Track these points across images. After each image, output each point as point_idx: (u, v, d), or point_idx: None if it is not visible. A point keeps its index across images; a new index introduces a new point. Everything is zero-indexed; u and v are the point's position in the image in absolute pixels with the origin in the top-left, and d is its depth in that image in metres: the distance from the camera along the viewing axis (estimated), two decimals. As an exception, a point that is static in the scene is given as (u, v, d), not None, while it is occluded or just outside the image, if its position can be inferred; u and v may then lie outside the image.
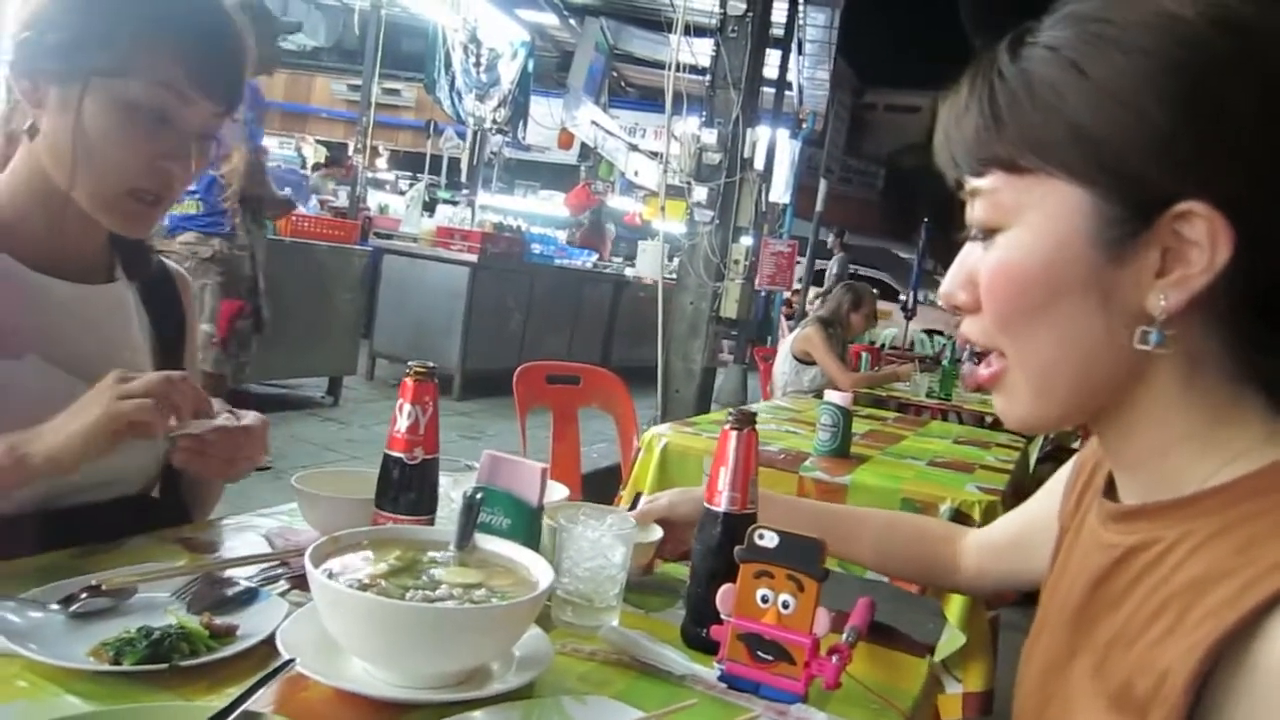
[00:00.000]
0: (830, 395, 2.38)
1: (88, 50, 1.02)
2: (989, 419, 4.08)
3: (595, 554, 0.96)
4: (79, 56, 1.02)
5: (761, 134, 6.47)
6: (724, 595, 0.86)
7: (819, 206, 11.23)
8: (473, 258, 6.49)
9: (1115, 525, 0.69)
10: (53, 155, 1.05)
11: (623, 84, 12.09)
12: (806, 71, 11.16)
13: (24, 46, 1.03)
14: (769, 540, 0.85)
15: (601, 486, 2.71)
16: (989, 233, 0.67)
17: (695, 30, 5.81)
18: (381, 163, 14.49)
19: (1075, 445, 4.47)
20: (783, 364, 4.63)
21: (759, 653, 0.85)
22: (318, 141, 12.86)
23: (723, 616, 0.86)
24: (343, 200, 8.64)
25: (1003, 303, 0.66)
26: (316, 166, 11.03)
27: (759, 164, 6.26)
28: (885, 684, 0.94)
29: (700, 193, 5.59)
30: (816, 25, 10.10)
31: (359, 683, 0.75)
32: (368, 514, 0.99)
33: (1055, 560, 0.82)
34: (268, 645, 0.79)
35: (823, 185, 11.35)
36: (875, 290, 4.96)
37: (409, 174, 14.43)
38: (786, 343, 4.81)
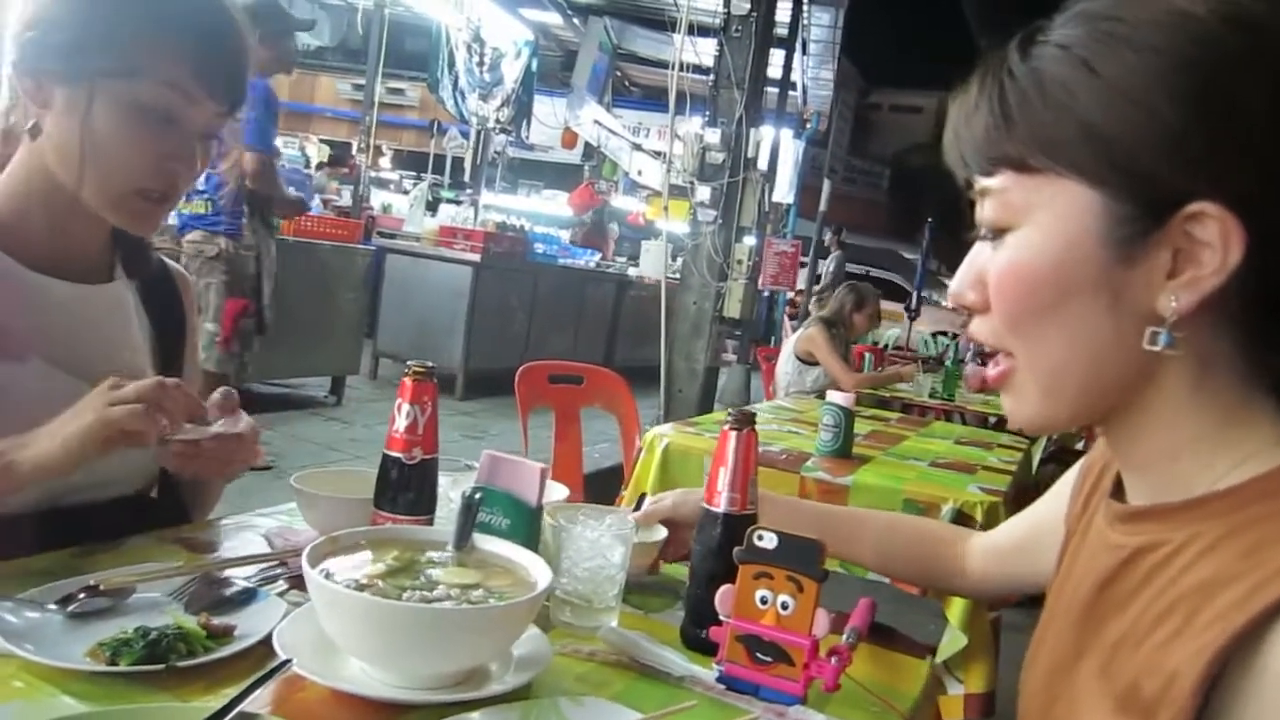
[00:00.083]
0: (832, 395, 2.37)
1: (94, 51, 1.02)
2: (992, 420, 4.08)
3: (594, 554, 0.96)
4: (85, 57, 1.02)
5: (765, 134, 6.47)
6: (723, 596, 0.86)
7: (822, 206, 11.23)
8: (476, 257, 6.50)
9: (1123, 526, 0.69)
10: (59, 155, 1.05)
11: (626, 83, 12.09)
12: (811, 71, 11.15)
13: (28, 46, 1.03)
14: (768, 541, 0.84)
15: (604, 486, 2.71)
16: (998, 232, 0.67)
17: (699, 30, 5.81)
18: (385, 162, 14.50)
19: (1079, 447, 4.46)
20: (785, 364, 4.63)
21: (758, 654, 0.85)
22: (322, 141, 12.86)
23: (722, 618, 0.86)
24: (346, 200, 8.65)
25: (1012, 303, 0.66)
26: (320, 166, 11.06)
27: (762, 164, 6.26)
28: (885, 685, 0.93)
29: (703, 192, 5.59)
30: (821, 25, 10.09)
31: (356, 683, 0.75)
32: (367, 514, 0.99)
33: (1061, 562, 0.82)
34: (265, 646, 0.78)
35: (826, 185, 11.36)
36: (879, 291, 4.95)
37: (413, 173, 14.43)
38: (789, 343, 4.81)
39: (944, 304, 14.30)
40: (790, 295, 11.13)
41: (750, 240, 5.83)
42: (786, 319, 11.60)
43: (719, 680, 0.86)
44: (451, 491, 1.01)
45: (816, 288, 10.90)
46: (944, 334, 13.58)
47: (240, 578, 0.94)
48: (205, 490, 1.27)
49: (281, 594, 0.92)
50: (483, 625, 0.77)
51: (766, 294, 10.04)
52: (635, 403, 2.97)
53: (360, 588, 0.76)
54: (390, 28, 8.34)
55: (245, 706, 0.67)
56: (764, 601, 0.85)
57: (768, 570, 0.84)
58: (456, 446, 4.90)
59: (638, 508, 1.16)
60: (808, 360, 4.50)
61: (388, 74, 8.86)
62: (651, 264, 9.17)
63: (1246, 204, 0.58)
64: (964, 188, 0.70)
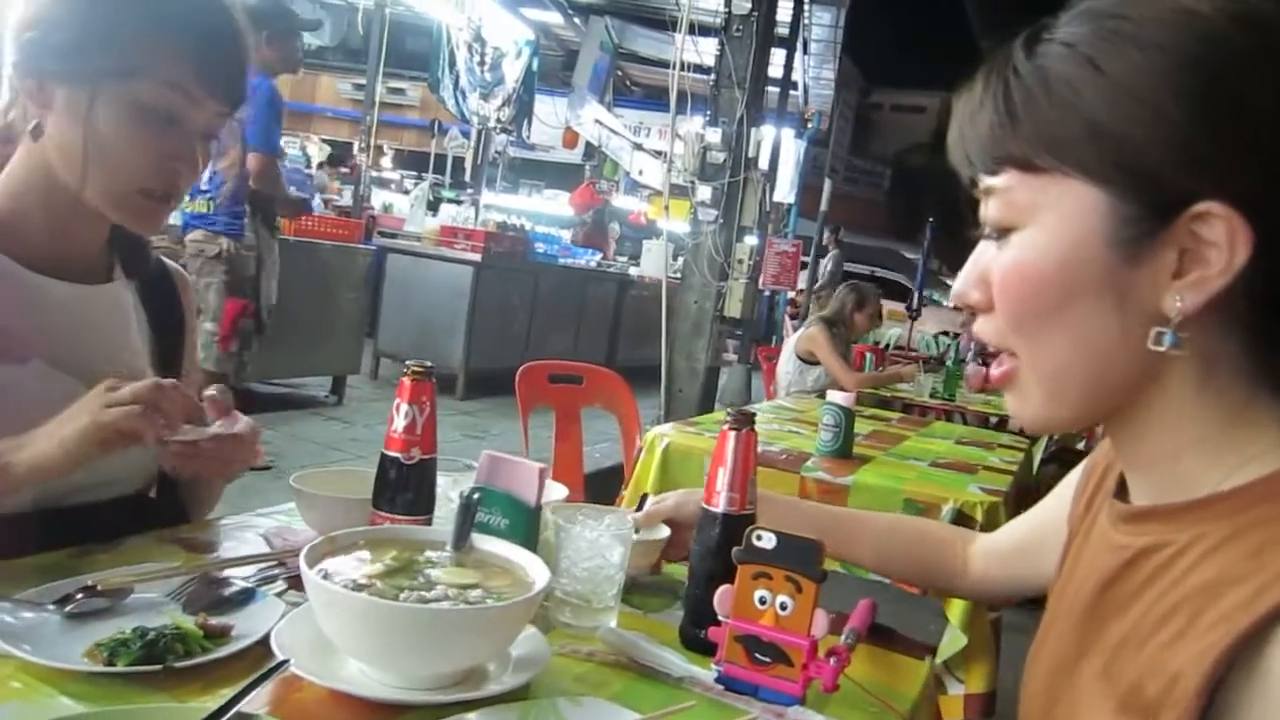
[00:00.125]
0: (833, 395, 2.37)
1: (95, 51, 1.02)
2: (993, 420, 4.07)
3: (593, 554, 0.95)
4: (86, 58, 1.02)
5: (766, 133, 6.46)
6: (722, 596, 0.86)
7: (823, 206, 11.22)
8: (476, 257, 6.49)
9: (1126, 526, 0.69)
10: (62, 156, 1.05)
11: (628, 83, 12.08)
12: (812, 71, 11.14)
13: (28, 47, 1.03)
14: (767, 541, 0.84)
15: (604, 486, 2.71)
16: (1003, 232, 0.66)
17: (700, 29, 5.80)
18: (386, 162, 14.50)
19: (1080, 446, 4.46)
20: (786, 364, 4.63)
21: (757, 654, 0.85)
22: (323, 141, 12.86)
23: (720, 618, 0.86)
24: (347, 200, 8.65)
25: (1016, 303, 0.66)
26: (320, 165, 11.06)
27: (763, 163, 6.26)
28: (884, 686, 0.93)
29: (704, 192, 5.59)
30: (822, 24, 10.08)
31: (354, 683, 0.75)
32: (366, 514, 0.99)
33: (1064, 563, 0.81)
34: (263, 646, 0.78)
35: (827, 185, 11.34)
36: (880, 290, 4.95)
37: (414, 173, 14.43)
38: (790, 342, 4.80)
39: (945, 304, 14.30)
40: (791, 295, 11.12)
41: (751, 240, 5.83)
42: (788, 318, 11.59)
43: (718, 680, 0.86)
44: (451, 491, 1.01)
45: (814, 286, 10.88)
46: (947, 334, 13.56)
47: (239, 578, 0.94)
48: (204, 490, 1.27)
49: (280, 594, 0.92)
50: (480, 625, 0.77)
51: (768, 294, 10.04)
52: (636, 402, 2.97)
53: (358, 588, 0.76)
54: (391, 27, 8.33)
55: (243, 707, 0.67)
56: (763, 602, 0.84)
57: (766, 570, 0.84)
58: (457, 446, 4.90)
59: (640, 507, 1.16)
60: (809, 360, 4.50)
61: (388, 73, 8.85)
62: (652, 263, 9.16)
63: (1253, 203, 0.58)
64: (968, 186, 0.69)
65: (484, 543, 0.89)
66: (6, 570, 0.92)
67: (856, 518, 1.20)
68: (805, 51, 10.12)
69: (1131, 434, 0.67)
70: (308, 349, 5.33)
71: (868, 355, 4.80)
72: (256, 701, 0.71)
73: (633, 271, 9.45)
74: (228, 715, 0.64)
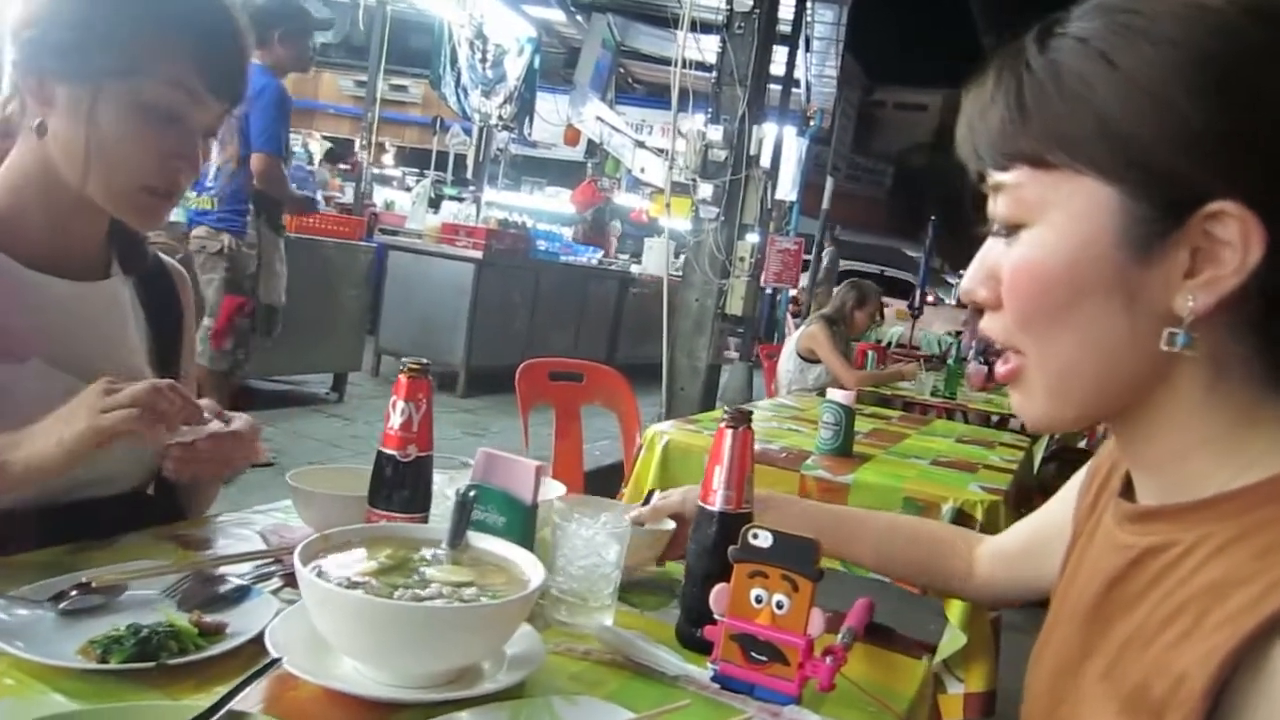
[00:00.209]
0: (833, 393, 2.36)
1: (95, 50, 1.02)
2: (994, 418, 4.07)
3: (589, 552, 0.95)
4: (87, 56, 1.02)
5: (768, 131, 6.44)
6: (718, 595, 0.86)
7: (825, 204, 11.21)
8: (477, 254, 6.49)
9: (1132, 526, 0.68)
10: (65, 154, 1.05)
11: (630, 80, 12.07)
12: (814, 68, 11.12)
13: (28, 45, 1.03)
14: (763, 540, 0.84)
15: (604, 484, 2.71)
16: (1011, 228, 0.66)
17: (702, 26, 5.79)
18: (388, 159, 14.50)
19: (1081, 445, 4.46)
20: (787, 362, 4.63)
21: (753, 653, 0.84)
22: (324, 138, 12.86)
23: (716, 616, 0.86)
24: (349, 197, 8.65)
25: (1025, 302, 0.65)
26: (320, 162, 11.05)
27: (765, 161, 6.24)
28: (881, 685, 0.93)
29: (706, 190, 5.58)
30: (824, 22, 10.07)
31: (348, 682, 0.75)
32: (363, 511, 0.98)
33: (1068, 562, 0.81)
34: (257, 644, 0.78)
35: (829, 183, 11.33)
36: (880, 289, 4.94)
37: (416, 170, 14.43)
38: (791, 340, 4.80)
39: (950, 303, 14.29)
40: (793, 293, 11.11)
41: (753, 237, 5.82)
42: (789, 316, 11.58)
43: (713, 679, 0.86)
44: (448, 489, 1.01)
45: (804, 283, 10.84)
46: (951, 334, 13.54)
47: (234, 575, 0.94)
48: (202, 487, 1.27)
49: (275, 592, 0.92)
50: (474, 623, 0.77)
51: (769, 292, 10.03)
52: (636, 400, 2.97)
53: (352, 585, 0.76)
54: (393, 24, 8.32)
55: (236, 705, 0.67)
56: (759, 600, 0.84)
57: (763, 569, 0.84)
58: (457, 444, 4.90)
59: (646, 502, 1.16)
60: (809, 358, 4.49)
61: (390, 70, 8.85)
62: (654, 261, 9.15)
63: (1267, 202, 0.57)
64: (976, 181, 0.68)
65: (480, 541, 0.89)
66: (2, 567, 0.92)
67: (858, 517, 1.19)
68: (807, 49, 10.11)
69: (1139, 434, 0.67)
70: (309, 346, 5.33)
71: (870, 353, 4.78)
72: (250, 699, 0.71)
73: (634, 269, 9.44)
74: (220, 713, 0.64)
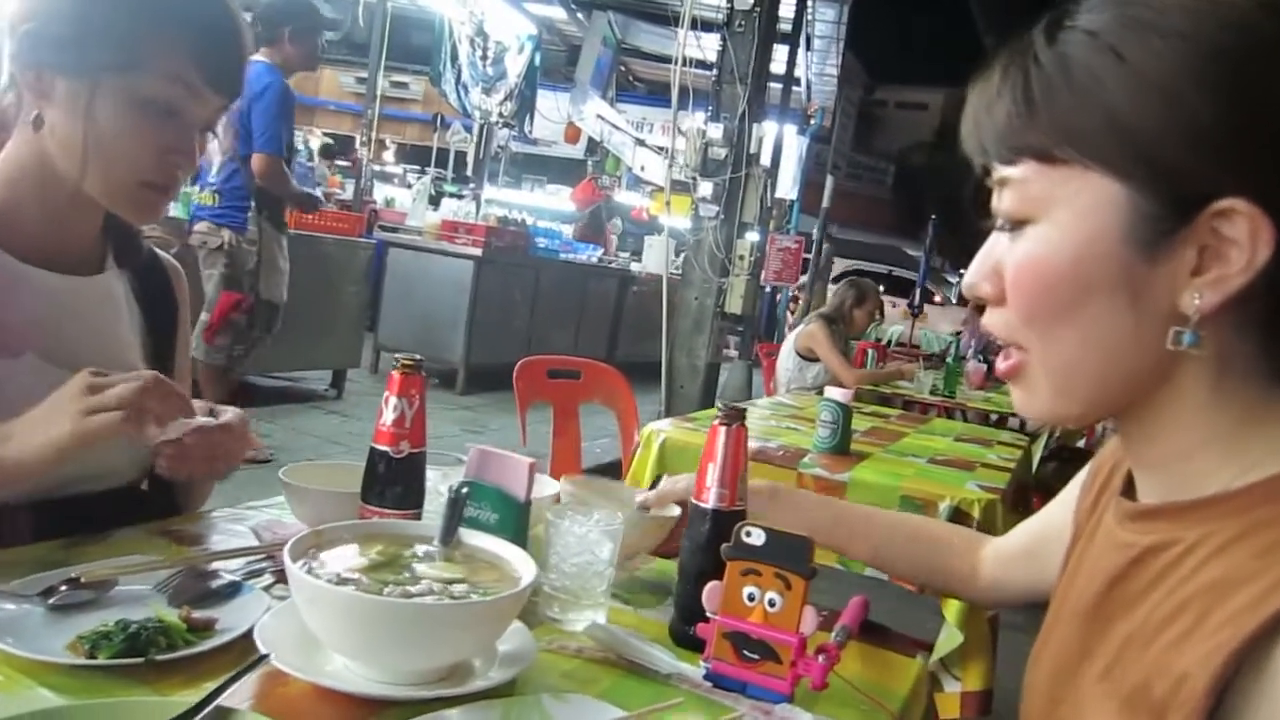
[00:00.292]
0: (830, 392, 2.36)
1: (93, 44, 1.02)
2: (993, 417, 4.06)
3: (582, 550, 0.95)
4: (85, 50, 1.02)
5: (768, 129, 6.44)
6: (710, 593, 0.85)
7: (825, 203, 11.19)
8: (477, 251, 6.49)
9: (1133, 524, 0.67)
10: (62, 148, 1.05)
11: (630, 78, 12.06)
12: (815, 67, 11.10)
13: (26, 38, 1.02)
14: (756, 538, 0.84)
15: (602, 482, 2.69)
16: (1016, 224, 0.65)
17: (703, 25, 5.79)
18: (389, 156, 14.49)
19: (1080, 445, 4.46)
20: (786, 360, 4.62)
21: (745, 651, 0.84)
22: (325, 134, 12.87)
23: (709, 614, 0.85)
24: (349, 193, 8.65)
25: (1029, 298, 0.64)
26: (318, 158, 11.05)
27: (765, 159, 6.24)
28: (875, 684, 0.93)
29: (705, 188, 5.58)
30: (825, 20, 10.06)
31: (337, 679, 0.74)
32: (356, 507, 0.98)
33: (1068, 562, 0.80)
34: (247, 640, 0.78)
35: (829, 181, 11.31)
36: (880, 287, 4.93)
37: (417, 167, 14.43)
38: (790, 339, 4.79)
39: (954, 302, 14.26)
40: (793, 291, 11.10)
41: (753, 236, 5.82)
42: (790, 315, 11.58)
43: (706, 678, 0.86)
44: (441, 486, 1.00)
45: (803, 280, 10.83)
46: (952, 333, 13.52)
47: (226, 571, 0.94)
48: (196, 483, 1.26)
49: (267, 588, 0.92)
50: (464, 620, 0.76)
51: (769, 290, 10.02)
52: (634, 398, 2.96)
53: (342, 582, 0.76)
54: (393, 21, 8.32)
55: (225, 701, 0.66)
56: (751, 598, 0.84)
57: (756, 567, 0.84)
58: (457, 441, 4.90)
59: (653, 487, 1.16)
60: (808, 356, 4.49)
61: (391, 67, 8.85)
62: (654, 259, 9.15)
63: (1277, 200, 0.56)
64: (981, 176, 0.67)
65: (472, 538, 0.88)
66: (-7, 562, 0.91)
67: (862, 512, 1.18)
68: (808, 47, 10.09)
69: (1142, 432, 0.66)
70: (308, 343, 5.33)
71: (870, 352, 4.78)
72: (239, 696, 0.70)
73: (634, 267, 9.44)
74: (207, 709, 0.64)
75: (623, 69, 11.20)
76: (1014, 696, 0.82)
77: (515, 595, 0.77)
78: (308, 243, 5.24)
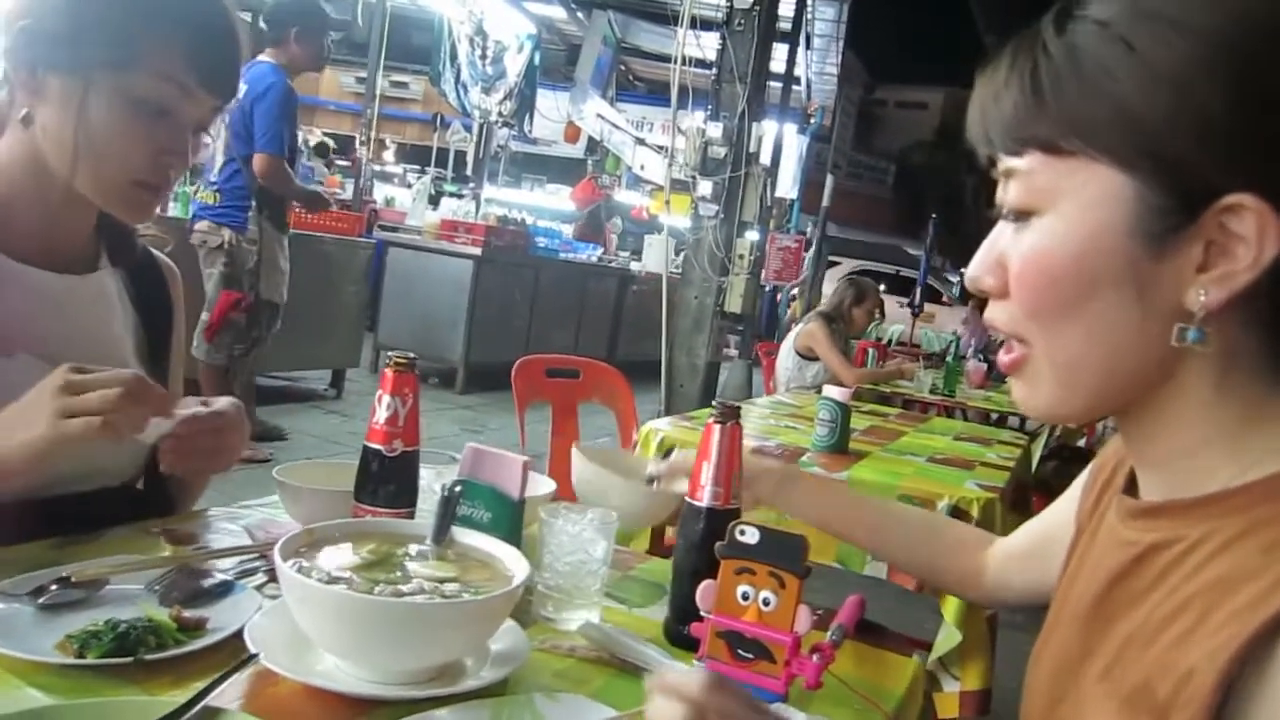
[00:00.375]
0: (829, 390, 2.36)
1: (88, 42, 1.01)
2: (994, 416, 4.06)
3: (576, 548, 0.94)
4: (79, 48, 1.01)
5: (768, 129, 6.44)
6: (704, 591, 0.85)
7: (825, 202, 11.19)
8: (477, 250, 6.49)
9: (1135, 522, 0.67)
10: (53, 145, 1.05)
11: (630, 77, 12.06)
12: (815, 66, 11.09)
13: (22, 35, 1.02)
14: (750, 536, 0.83)
15: (600, 481, 2.69)
16: (1021, 215, 0.64)
17: (702, 24, 5.79)
18: (389, 155, 14.49)
19: (1080, 444, 4.45)
20: (786, 359, 4.61)
21: (739, 651, 0.83)
22: (324, 134, 12.88)
23: (703, 613, 0.85)
24: (348, 193, 8.64)
25: (1033, 292, 0.63)
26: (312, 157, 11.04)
27: (765, 159, 6.24)
28: (871, 683, 0.92)
29: (705, 187, 5.58)
30: (825, 19, 10.05)
31: (328, 678, 0.74)
32: (350, 506, 0.97)
33: (1069, 560, 0.80)
34: (238, 639, 0.77)
35: (829, 181, 11.31)
36: (880, 286, 4.93)
37: (416, 167, 14.43)
38: (789, 338, 4.78)
39: (956, 296, 14.22)
40: (793, 291, 11.10)
41: (752, 235, 5.82)
42: (791, 312, 11.57)
43: (700, 677, 0.85)
44: (435, 484, 1.00)
45: (800, 279, 10.83)
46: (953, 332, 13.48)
47: (219, 570, 0.93)
48: (192, 481, 1.26)
49: (259, 587, 0.91)
50: (456, 619, 0.76)
51: (769, 289, 10.01)
52: (633, 397, 2.95)
53: (333, 581, 0.75)
54: (393, 20, 8.32)
55: (213, 701, 0.66)
56: (745, 597, 0.83)
57: (750, 565, 0.83)
58: (455, 440, 4.90)
59: (665, 457, 1.16)
60: (808, 355, 4.48)
61: (391, 67, 8.84)
62: (654, 259, 9.15)
63: None
64: (986, 167, 0.67)
65: (465, 536, 0.88)
66: (-15, 561, 0.91)
67: (875, 502, 1.17)
68: (808, 46, 10.09)
69: (1145, 430, 0.66)
70: (308, 342, 5.33)
71: (870, 351, 4.77)
72: (229, 696, 0.70)
73: (634, 266, 9.43)
74: (195, 709, 0.63)
75: (623, 68, 11.19)
76: (1014, 696, 0.81)
77: (507, 594, 0.77)
78: (307, 242, 5.24)
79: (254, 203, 4.02)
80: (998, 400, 4.48)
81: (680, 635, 0.91)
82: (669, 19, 6.52)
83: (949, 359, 4.90)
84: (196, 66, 1.06)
